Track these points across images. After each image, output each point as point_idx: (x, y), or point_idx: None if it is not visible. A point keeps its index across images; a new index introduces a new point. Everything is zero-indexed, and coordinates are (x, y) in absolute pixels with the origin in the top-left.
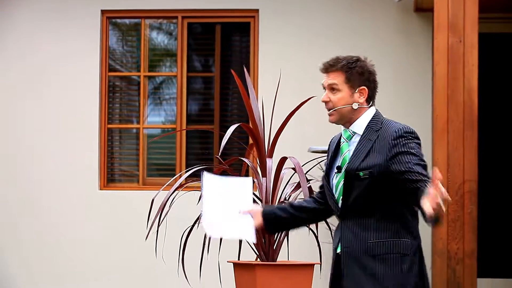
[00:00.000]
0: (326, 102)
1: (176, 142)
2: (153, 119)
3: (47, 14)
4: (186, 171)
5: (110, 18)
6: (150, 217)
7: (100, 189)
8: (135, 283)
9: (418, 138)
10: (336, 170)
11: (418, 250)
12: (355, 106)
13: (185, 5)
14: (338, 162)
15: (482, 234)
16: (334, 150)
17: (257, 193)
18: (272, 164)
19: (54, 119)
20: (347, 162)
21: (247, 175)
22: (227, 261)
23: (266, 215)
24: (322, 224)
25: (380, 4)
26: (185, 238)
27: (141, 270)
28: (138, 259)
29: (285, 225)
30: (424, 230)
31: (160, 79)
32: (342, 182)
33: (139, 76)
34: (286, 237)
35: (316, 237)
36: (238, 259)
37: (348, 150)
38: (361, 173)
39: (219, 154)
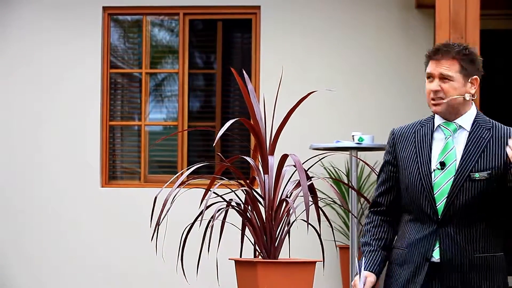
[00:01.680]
0: (436, 92)
1: (177, 139)
2: (155, 116)
3: (48, 12)
4: (188, 169)
5: (111, 15)
6: (153, 215)
7: (102, 187)
8: (136, 280)
9: None
10: (438, 167)
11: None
12: (467, 97)
13: (186, 1)
14: (442, 158)
15: None
16: (418, 142)
17: (258, 190)
18: (273, 161)
19: (55, 116)
20: (454, 159)
21: (248, 172)
22: (229, 259)
23: (378, 274)
24: (324, 222)
25: (381, 1)
26: (185, 236)
27: (142, 267)
28: (138, 256)
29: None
30: None
31: (162, 76)
32: (447, 182)
33: (140, 73)
34: (287, 234)
35: (319, 235)
36: (240, 257)
37: (453, 147)
38: (476, 175)
39: (217, 148)
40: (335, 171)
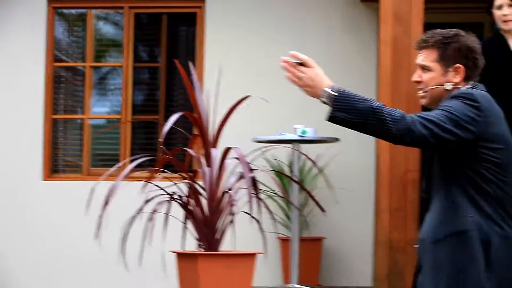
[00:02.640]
0: (418, 82)
1: (120, 132)
2: (98, 109)
3: None
4: (131, 161)
5: (56, 8)
6: (93, 206)
7: (44, 180)
8: (78, 273)
9: (470, 100)
10: None
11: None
12: (448, 86)
13: None
14: None
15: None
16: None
17: (201, 183)
18: (216, 154)
19: None
20: None
21: (191, 165)
22: (170, 251)
23: None
24: (265, 214)
25: None
26: (127, 228)
27: (86, 260)
28: (81, 249)
29: None
30: (366, 220)
31: (106, 70)
32: None
33: (84, 67)
34: (229, 226)
35: (260, 227)
36: (182, 249)
37: None
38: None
39: (162, 141)
40: (278, 164)
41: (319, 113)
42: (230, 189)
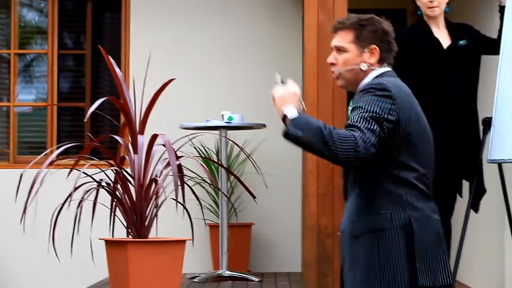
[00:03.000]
0: (331, 64)
1: (47, 119)
2: (24, 97)
3: None
4: (57, 148)
5: None
6: (20, 194)
7: None
8: (5, 260)
9: (383, 90)
10: None
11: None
12: (363, 67)
13: None
14: None
15: None
16: None
17: (129, 170)
18: (143, 141)
19: None
20: None
21: (115, 152)
22: (99, 239)
23: None
24: (194, 201)
25: None
26: (55, 216)
27: (13, 248)
28: (8, 237)
29: None
30: (295, 206)
31: (31, 57)
32: None
33: (9, 54)
34: (157, 213)
35: (188, 213)
36: (112, 237)
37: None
38: None
39: (87, 128)
40: (205, 150)
41: (246, 99)
42: (157, 176)
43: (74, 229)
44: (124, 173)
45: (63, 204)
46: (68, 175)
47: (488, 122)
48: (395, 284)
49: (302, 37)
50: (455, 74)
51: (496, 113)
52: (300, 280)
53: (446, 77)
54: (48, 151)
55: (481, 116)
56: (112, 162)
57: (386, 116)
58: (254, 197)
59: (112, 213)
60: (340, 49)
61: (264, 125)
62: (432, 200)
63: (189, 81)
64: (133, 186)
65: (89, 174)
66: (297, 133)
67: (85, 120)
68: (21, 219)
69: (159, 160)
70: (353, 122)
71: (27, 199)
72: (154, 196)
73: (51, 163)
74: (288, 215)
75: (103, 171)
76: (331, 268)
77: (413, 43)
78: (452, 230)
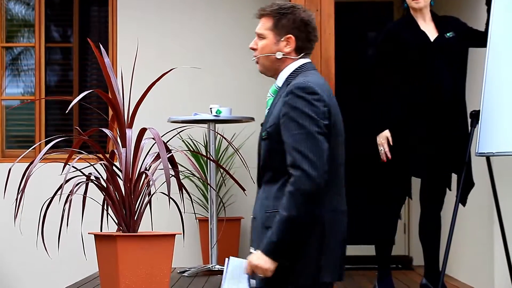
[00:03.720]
0: (253, 49)
1: (35, 113)
2: (12, 90)
3: None
4: (47, 142)
5: None
6: (10, 189)
7: None
8: None
9: (313, 94)
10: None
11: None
12: (278, 55)
13: None
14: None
15: None
16: None
17: (117, 163)
18: (132, 134)
19: None
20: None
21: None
22: (88, 233)
23: None
24: (184, 194)
25: None
26: (44, 210)
27: (1, 242)
28: None
29: None
30: None
31: (18, 50)
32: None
33: None
34: (147, 207)
35: (178, 207)
36: (101, 231)
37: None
38: (263, 134)
39: (75, 122)
40: (194, 144)
41: (234, 93)
42: (146, 170)
43: (61, 223)
44: (113, 167)
45: (52, 198)
46: (62, 170)
47: (476, 115)
48: (303, 277)
49: None
50: (443, 66)
51: (484, 106)
52: None
53: (434, 69)
54: (36, 145)
55: (469, 109)
56: (101, 156)
57: (323, 122)
58: (243, 189)
59: (103, 208)
60: (259, 36)
61: (252, 119)
62: (342, 199)
63: (178, 74)
64: (122, 180)
65: (78, 168)
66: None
67: (66, 111)
68: (15, 216)
69: (147, 153)
70: (294, 151)
71: (17, 194)
72: (144, 190)
73: (40, 157)
74: None
75: (92, 165)
76: None
77: (400, 36)
78: (442, 223)
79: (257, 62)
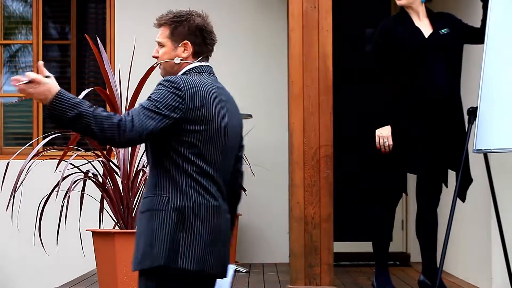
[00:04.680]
0: (155, 57)
1: (32, 110)
2: (10, 88)
3: None
4: (43, 139)
5: None
6: (8, 186)
7: None
8: None
9: (175, 88)
10: None
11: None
12: (177, 60)
13: None
14: None
15: (338, 198)
16: None
17: (115, 161)
18: None
19: None
20: None
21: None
22: (86, 230)
23: None
24: None
25: None
26: (42, 207)
27: None
28: None
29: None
30: (282, 196)
31: (16, 47)
32: None
33: None
34: None
35: None
36: (99, 228)
37: None
38: None
39: None
40: None
41: (231, 89)
42: (144, 167)
43: (60, 220)
44: (111, 164)
45: (49, 195)
46: (57, 167)
47: (473, 112)
48: (157, 259)
49: (287, 27)
50: (438, 63)
51: (481, 103)
52: (287, 270)
53: (428, 66)
54: (33, 141)
55: (466, 105)
56: (99, 153)
57: (165, 112)
58: (244, 189)
59: (101, 205)
60: (159, 44)
61: (250, 115)
62: (218, 197)
63: None
64: (119, 177)
65: (76, 165)
66: (56, 116)
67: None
68: (7, 208)
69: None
70: (133, 109)
71: (12, 190)
72: (141, 187)
73: (37, 154)
74: (276, 206)
75: (90, 162)
76: (319, 258)
77: (395, 32)
78: (439, 220)
79: (160, 68)
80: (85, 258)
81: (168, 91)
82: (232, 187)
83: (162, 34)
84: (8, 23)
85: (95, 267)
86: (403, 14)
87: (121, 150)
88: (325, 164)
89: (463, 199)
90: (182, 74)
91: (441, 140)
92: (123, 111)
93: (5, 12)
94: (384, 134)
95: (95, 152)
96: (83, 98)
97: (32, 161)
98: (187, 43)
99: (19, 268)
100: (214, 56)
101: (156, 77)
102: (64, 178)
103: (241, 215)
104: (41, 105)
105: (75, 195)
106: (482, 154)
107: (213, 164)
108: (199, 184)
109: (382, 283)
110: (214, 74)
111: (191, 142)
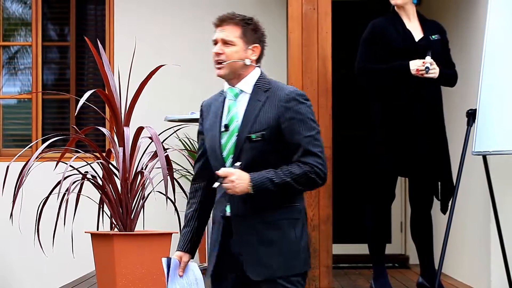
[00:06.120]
0: (218, 54)
1: (32, 111)
2: (9, 89)
3: None
4: (43, 141)
5: None
6: (8, 187)
7: None
8: None
9: (308, 100)
10: (223, 129)
11: (305, 215)
12: (247, 62)
13: None
14: (225, 121)
15: (337, 200)
16: (215, 111)
17: (114, 162)
18: (129, 133)
19: None
20: (235, 120)
21: (103, 144)
22: (85, 232)
23: (192, 251)
24: (180, 193)
25: None
26: (40, 209)
27: None
28: None
29: (201, 233)
30: None
31: (15, 49)
32: (231, 142)
33: None
34: (143, 207)
35: (175, 206)
36: (97, 230)
37: (235, 109)
38: (253, 136)
39: (72, 120)
40: (191, 143)
41: None
42: (143, 169)
43: (57, 221)
44: (110, 165)
45: (48, 197)
46: (55, 168)
47: (472, 114)
48: (306, 265)
49: (287, 28)
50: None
51: (480, 105)
52: None
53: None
54: (33, 143)
55: (465, 107)
56: (97, 154)
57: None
58: None
59: (100, 206)
60: (227, 42)
61: None
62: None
63: (174, 72)
64: (118, 178)
65: (75, 167)
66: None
67: (75, 113)
68: (12, 212)
69: (144, 152)
70: (313, 147)
71: (14, 192)
72: (140, 189)
73: (36, 156)
74: None
75: (89, 164)
76: (317, 260)
77: (385, 33)
78: (438, 223)
79: (220, 67)
80: (84, 260)
81: (309, 107)
82: None
83: (231, 33)
84: (7, 25)
85: (94, 269)
86: (394, 15)
87: (121, 152)
88: None
89: (444, 211)
90: (269, 80)
91: (425, 146)
92: (123, 112)
93: (4, 14)
94: (417, 66)
95: (94, 154)
96: (85, 101)
97: (32, 163)
98: (258, 46)
99: (19, 270)
100: None
101: (157, 78)
102: (64, 178)
103: None
104: (40, 107)
105: (74, 197)
106: (481, 156)
107: None
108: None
109: (381, 285)
110: None
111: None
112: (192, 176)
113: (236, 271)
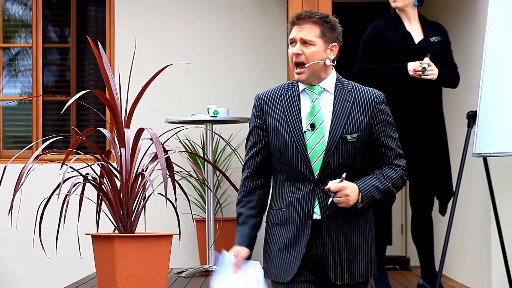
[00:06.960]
0: (297, 55)
1: (32, 113)
2: (9, 91)
3: None
4: (43, 142)
5: None
6: (7, 189)
7: None
8: None
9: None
10: (308, 128)
11: None
12: (327, 62)
13: None
14: (311, 120)
15: None
16: (287, 106)
17: (114, 164)
18: (129, 134)
19: None
20: (322, 120)
21: (104, 146)
22: (85, 233)
23: (250, 246)
24: (180, 195)
25: None
26: (41, 211)
27: None
28: None
29: (257, 232)
30: None
31: (16, 51)
32: (318, 142)
33: None
34: (144, 208)
35: (175, 208)
36: (97, 231)
37: (320, 109)
38: (349, 136)
39: (73, 122)
40: (191, 145)
41: (232, 93)
42: (144, 170)
43: (59, 223)
44: (110, 167)
45: (49, 198)
46: (60, 169)
47: (472, 116)
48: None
49: (287, 28)
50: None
51: (481, 107)
52: None
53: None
54: (33, 144)
55: (466, 109)
56: (98, 156)
57: None
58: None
59: (99, 208)
60: (307, 42)
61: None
62: None
63: (175, 74)
64: (119, 180)
65: (75, 168)
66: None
67: (61, 112)
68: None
69: (144, 154)
70: (401, 150)
71: (13, 194)
72: (141, 191)
73: (36, 157)
74: None
75: (89, 165)
76: None
77: (385, 35)
78: (439, 224)
79: (301, 71)
80: (85, 262)
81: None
82: None
83: (311, 32)
84: (8, 26)
85: (95, 270)
86: (395, 17)
87: (122, 153)
88: None
89: (443, 213)
90: (346, 80)
91: (424, 150)
92: (123, 114)
93: (4, 15)
94: (413, 67)
95: (95, 155)
96: (77, 99)
97: (32, 164)
98: (336, 46)
99: (19, 271)
100: (215, 57)
101: (158, 80)
102: (64, 181)
103: None
104: (41, 109)
105: (74, 198)
106: (481, 158)
107: None
108: None
109: (381, 287)
110: None
111: None
112: (192, 176)
113: (316, 274)
